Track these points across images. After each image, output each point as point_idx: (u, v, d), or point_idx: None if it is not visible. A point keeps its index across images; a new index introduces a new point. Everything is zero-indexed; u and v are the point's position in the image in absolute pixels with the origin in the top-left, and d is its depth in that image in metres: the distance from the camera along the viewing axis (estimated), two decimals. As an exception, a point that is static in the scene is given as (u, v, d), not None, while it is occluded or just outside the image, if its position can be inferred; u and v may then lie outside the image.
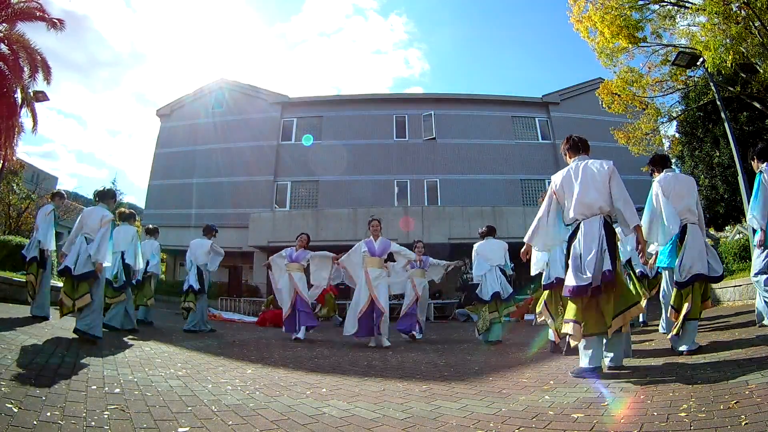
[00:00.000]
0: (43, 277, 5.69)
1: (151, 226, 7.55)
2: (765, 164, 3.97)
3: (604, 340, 2.90)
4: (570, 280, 2.78)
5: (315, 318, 6.36)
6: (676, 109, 12.48)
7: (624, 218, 2.83)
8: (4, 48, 11.28)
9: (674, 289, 3.36)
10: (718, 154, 11.96)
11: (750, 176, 8.13)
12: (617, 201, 2.80)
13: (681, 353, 3.21)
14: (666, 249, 3.54)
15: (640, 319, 5.53)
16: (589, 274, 2.69)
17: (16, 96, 11.73)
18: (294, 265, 6.24)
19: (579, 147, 3.05)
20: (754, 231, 3.76)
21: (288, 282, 6.16)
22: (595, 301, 2.72)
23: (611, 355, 2.89)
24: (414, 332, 6.37)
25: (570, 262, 2.84)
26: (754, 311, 4.10)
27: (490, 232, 5.90)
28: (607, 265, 2.69)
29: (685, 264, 3.29)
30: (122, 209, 6.27)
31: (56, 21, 11.35)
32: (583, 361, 2.77)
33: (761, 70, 8.87)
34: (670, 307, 3.39)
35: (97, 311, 4.31)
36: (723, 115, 8.96)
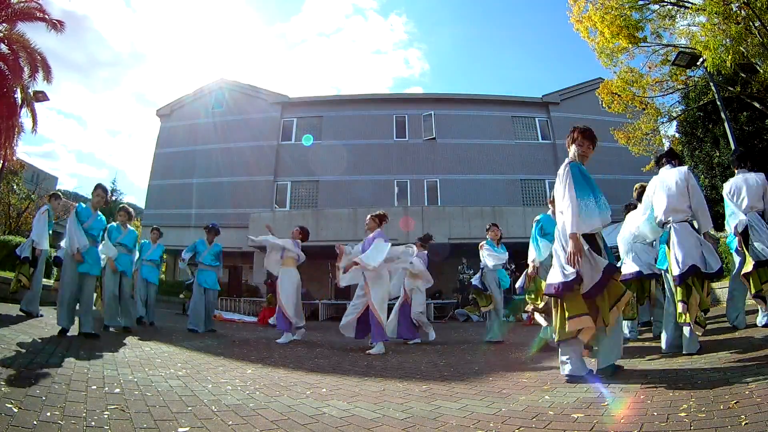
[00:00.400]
0: (34, 276, 5.74)
1: (153, 227, 7.57)
2: (738, 172, 4.01)
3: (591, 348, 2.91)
4: (557, 277, 2.77)
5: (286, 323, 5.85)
6: (676, 109, 12.49)
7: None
8: (4, 48, 11.29)
9: (676, 287, 3.28)
10: (718, 154, 11.96)
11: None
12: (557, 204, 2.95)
13: (682, 353, 3.21)
14: (661, 250, 3.56)
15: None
16: (571, 269, 2.70)
17: (16, 96, 11.76)
18: (287, 260, 5.99)
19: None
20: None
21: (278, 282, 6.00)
22: (591, 298, 2.74)
23: (602, 357, 2.87)
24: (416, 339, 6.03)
25: (555, 260, 2.90)
26: (755, 311, 4.10)
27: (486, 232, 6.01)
28: (604, 262, 2.73)
29: (677, 257, 3.23)
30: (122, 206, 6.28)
31: (56, 22, 11.37)
32: (567, 369, 2.74)
33: (761, 70, 8.88)
34: (681, 303, 3.22)
35: (61, 305, 4.37)
36: (723, 115, 8.97)
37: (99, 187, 4.83)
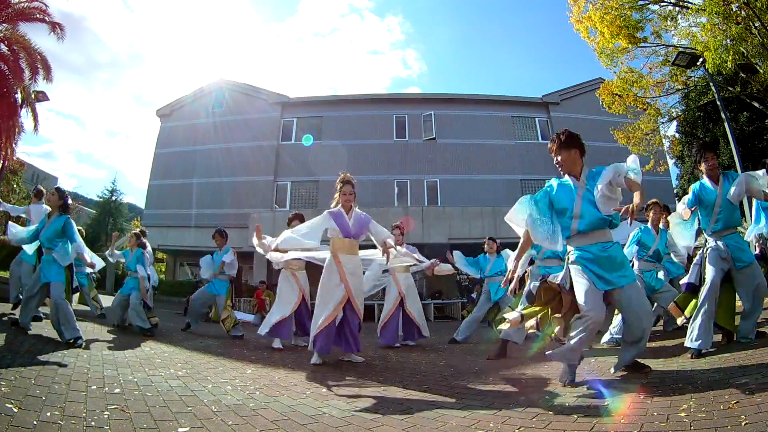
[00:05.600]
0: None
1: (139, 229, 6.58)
2: None
3: None
4: None
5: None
6: (676, 109, 12.50)
7: None
8: (5, 49, 11.29)
9: None
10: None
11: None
12: None
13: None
14: None
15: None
16: None
17: (16, 96, 11.76)
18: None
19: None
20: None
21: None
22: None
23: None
24: (408, 342, 5.56)
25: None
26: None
27: None
28: None
29: None
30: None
31: (56, 24, 11.37)
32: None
33: (761, 70, 8.88)
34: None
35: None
36: (723, 115, 8.97)
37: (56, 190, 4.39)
